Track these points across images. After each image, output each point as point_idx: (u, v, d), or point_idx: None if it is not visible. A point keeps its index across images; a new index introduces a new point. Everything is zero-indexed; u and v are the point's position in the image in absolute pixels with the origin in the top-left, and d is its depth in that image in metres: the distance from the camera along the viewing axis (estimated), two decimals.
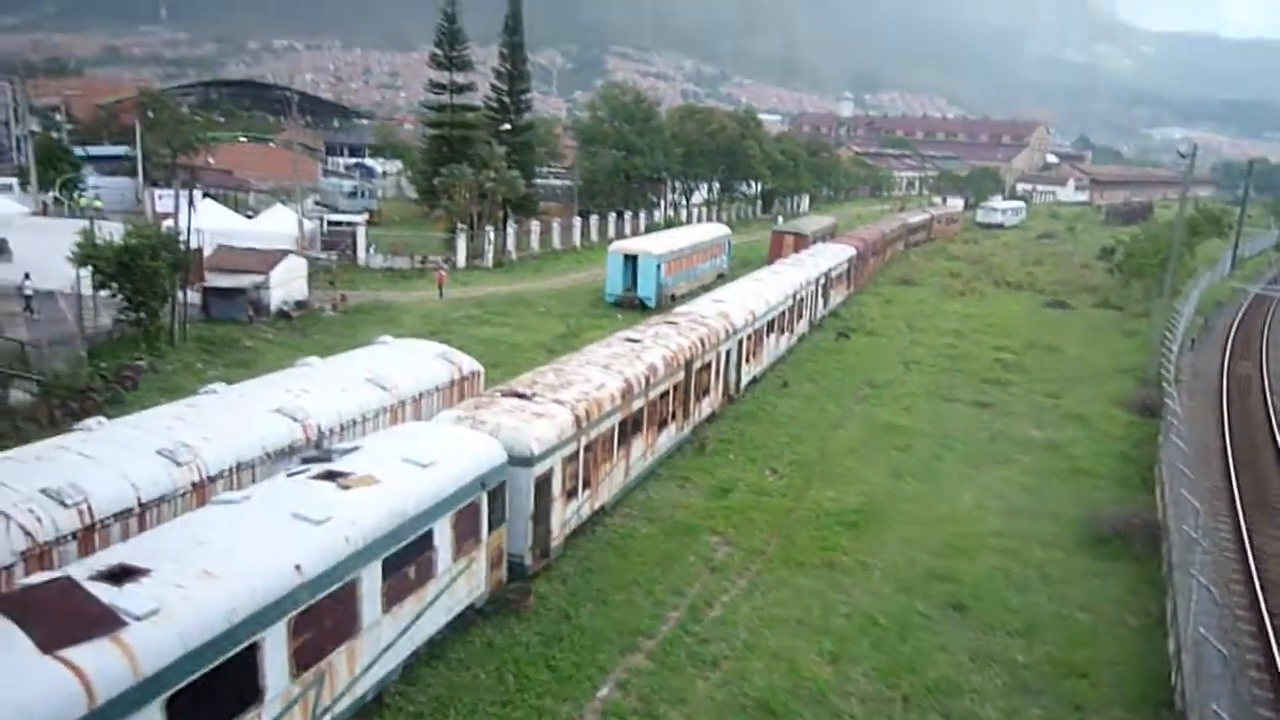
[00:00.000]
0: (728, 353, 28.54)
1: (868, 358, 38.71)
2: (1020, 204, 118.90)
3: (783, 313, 35.33)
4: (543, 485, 16.85)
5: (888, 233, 67.56)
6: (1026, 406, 32.49)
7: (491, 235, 54.75)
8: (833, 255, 47.70)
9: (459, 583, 14.35)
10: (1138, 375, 36.99)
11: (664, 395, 23.11)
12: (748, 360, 30.95)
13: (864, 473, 24.94)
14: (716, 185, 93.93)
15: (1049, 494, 24.13)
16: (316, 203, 65.40)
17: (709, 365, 26.81)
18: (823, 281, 43.36)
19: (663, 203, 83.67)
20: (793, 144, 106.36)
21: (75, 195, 54.32)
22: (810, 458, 25.84)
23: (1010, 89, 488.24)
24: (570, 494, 18.13)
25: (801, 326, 39.48)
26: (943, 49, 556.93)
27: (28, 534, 11.36)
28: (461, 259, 52.77)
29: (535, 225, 60.56)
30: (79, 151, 64.94)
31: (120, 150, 70.20)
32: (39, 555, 11.43)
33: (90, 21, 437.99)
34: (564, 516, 18.01)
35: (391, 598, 12.58)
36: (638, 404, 21.28)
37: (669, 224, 70.87)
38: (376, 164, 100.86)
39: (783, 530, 20.83)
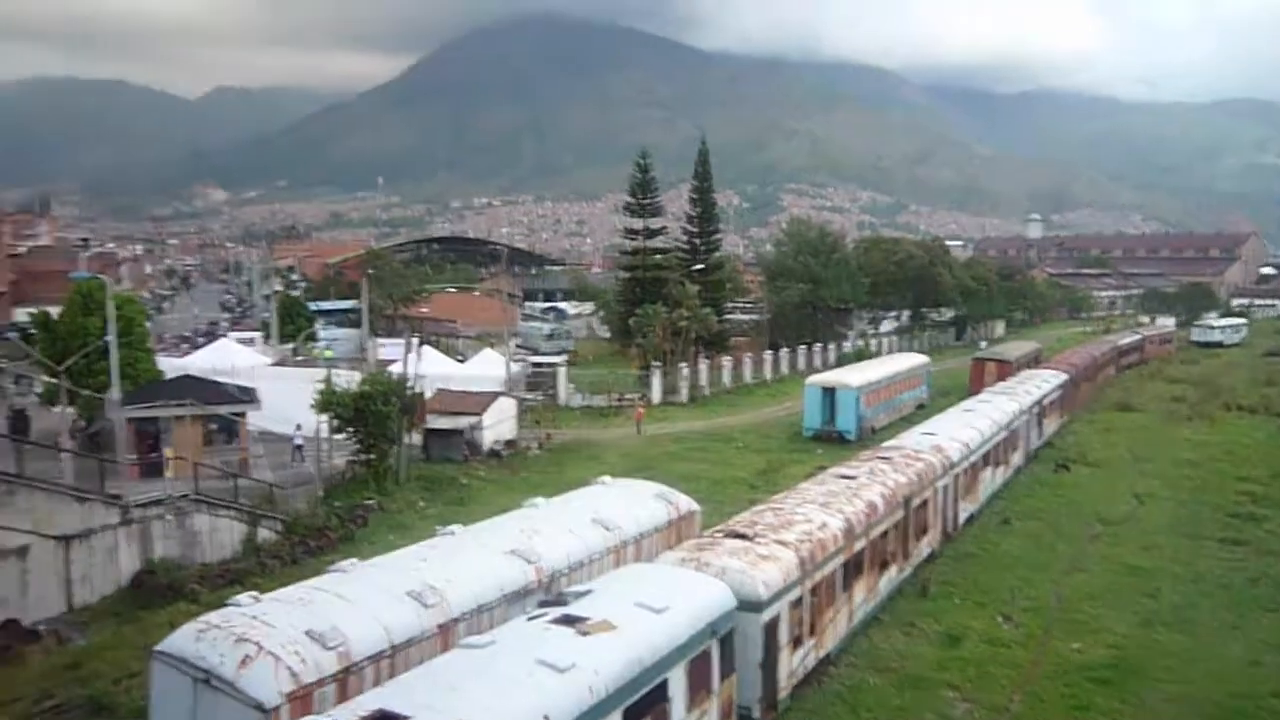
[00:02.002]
0: (944, 488, 27.18)
1: (1093, 491, 35.88)
2: (1241, 320, 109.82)
3: (997, 444, 33.53)
4: (771, 632, 16.23)
5: (1098, 356, 63.75)
6: None
7: (685, 372, 55.61)
8: (1044, 381, 45.26)
9: None
10: None
11: (884, 534, 22.11)
12: (964, 496, 29.35)
13: (1109, 621, 22.66)
14: (906, 314, 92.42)
15: None
16: (518, 346, 68.84)
17: (926, 502, 25.57)
18: (1036, 410, 41.05)
19: (851, 333, 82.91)
20: (983, 268, 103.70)
21: (310, 347, 59.67)
22: (1046, 604, 23.80)
23: (1209, 200, 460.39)
24: (796, 641, 17.36)
25: (1017, 459, 37.28)
26: (1131, 165, 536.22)
27: (294, 676, 11.85)
28: (657, 395, 53.70)
29: (727, 360, 61.13)
30: (312, 306, 71.70)
31: (346, 304, 77.06)
32: (303, 697, 11.87)
33: (317, 191, 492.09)
34: (791, 666, 17.20)
35: None
36: (859, 544, 20.41)
37: (859, 354, 69.86)
38: (568, 306, 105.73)
39: (1026, 686, 19.05)
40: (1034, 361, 59.75)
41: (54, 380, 31.60)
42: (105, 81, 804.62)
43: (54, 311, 39.71)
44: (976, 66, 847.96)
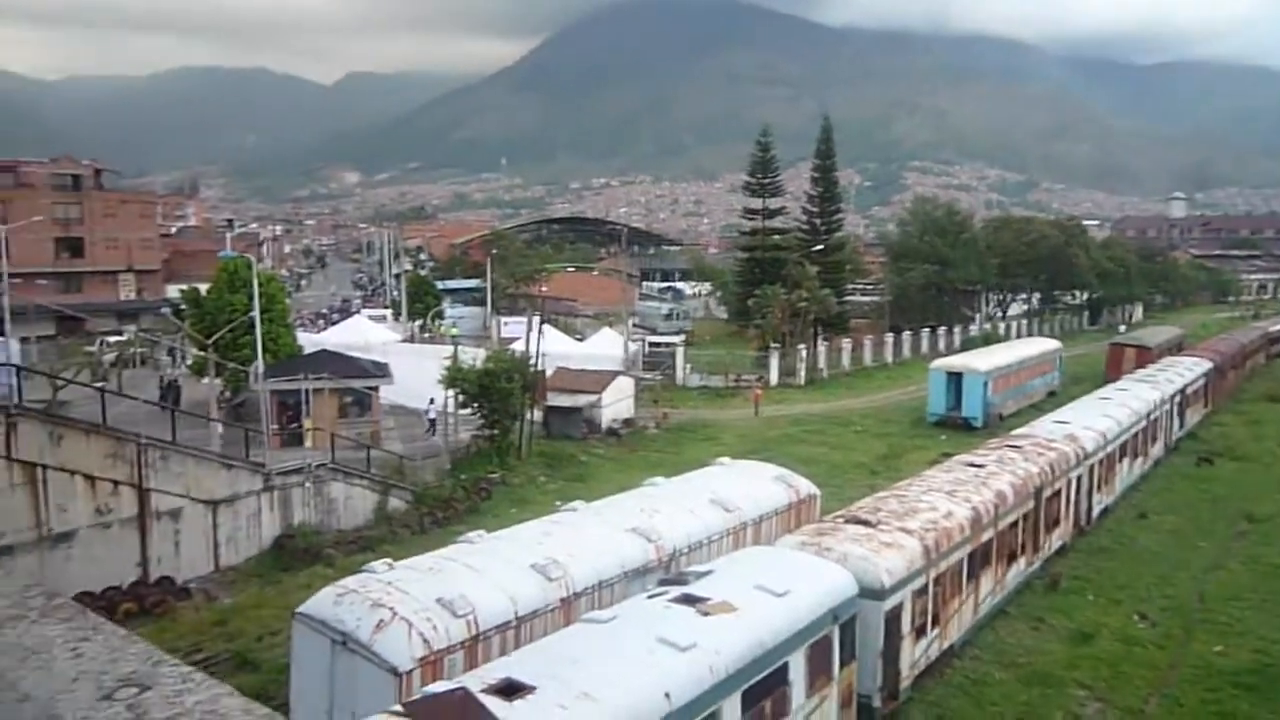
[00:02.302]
0: (1078, 479, 26.06)
1: (1240, 487, 33.77)
2: None
3: (1135, 434, 31.90)
4: (893, 621, 15.95)
5: (1246, 343, 59.76)
6: None
7: (804, 353, 54.92)
8: (1186, 369, 42.77)
9: None
10: None
11: (1013, 525, 21.37)
12: (1099, 488, 28.06)
13: (1256, 624, 21.31)
14: (1036, 296, 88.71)
15: None
16: (636, 325, 69.30)
17: (1058, 493, 24.58)
18: (1177, 399, 38.86)
19: (977, 316, 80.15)
20: (1121, 249, 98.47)
21: (437, 324, 61.61)
22: (1186, 603, 22.59)
23: None
24: (919, 631, 17.01)
25: (1156, 450, 35.40)
26: None
27: (426, 641, 12.31)
28: (774, 377, 53.24)
29: (846, 343, 60.05)
30: (439, 285, 73.94)
31: (471, 283, 79.14)
32: (433, 663, 12.32)
33: (444, 173, 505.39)
34: (913, 656, 16.87)
35: None
36: (987, 535, 19.80)
37: (986, 338, 67.52)
38: (685, 286, 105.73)
39: (1164, 688, 18.15)
40: (1176, 348, 56.52)
41: (203, 354, 33.56)
42: (248, 70, 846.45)
43: (202, 288, 42.11)
44: (1116, 36, 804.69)
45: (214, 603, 22.52)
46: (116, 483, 22.70)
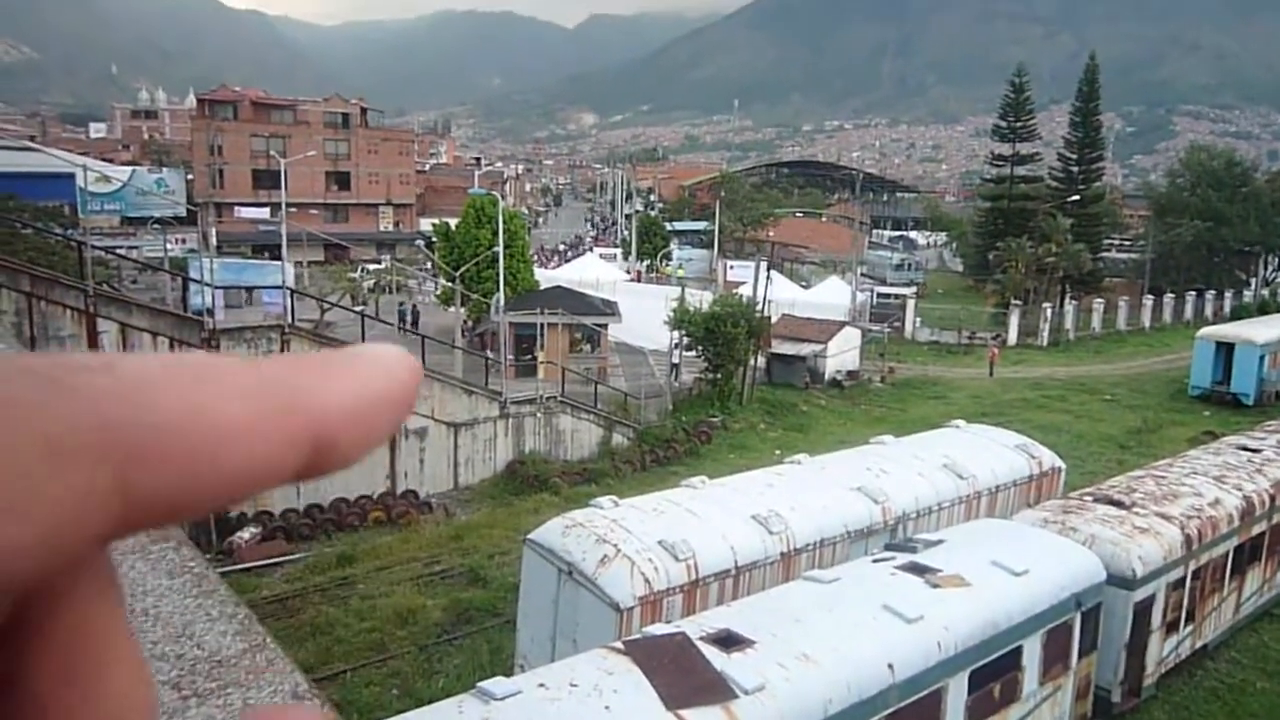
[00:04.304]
0: None
1: None
2: None
3: None
4: (1142, 612, 14.63)
5: None
6: None
7: (1048, 312, 51.15)
8: None
9: (1043, 710, 12.87)
10: None
11: None
12: None
13: None
14: None
15: None
16: (864, 275, 67.13)
17: None
18: None
19: (1253, 281, 71.49)
20: None
21: (665, 265, 62.41)
22: None
23: None
24: (1171, 626, 15.53)
25: None
26: None
27: (647, 581, 12.53)
28: (1013, 336, 50.01)
29: (1098, 303, 55.32)
30: (668, 226, 74.73)
31: (699, 225, 79.41)
32: (653, 603, 12.53)
33: (676, 115, 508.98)
34: (1161, 652, 15.46)
35: (974, 715, 11.61)
36: (1259, 528, 17.71)
37: (1263, 307, 60.14)
38: (918, 236, 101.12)
39: None
40: None
41: (450, 284, 35.66)
42: (497, 14, 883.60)
43: (452, 223, 44.66)
44: None
45: (451, 518, 24.14)
46: None
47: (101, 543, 0.29)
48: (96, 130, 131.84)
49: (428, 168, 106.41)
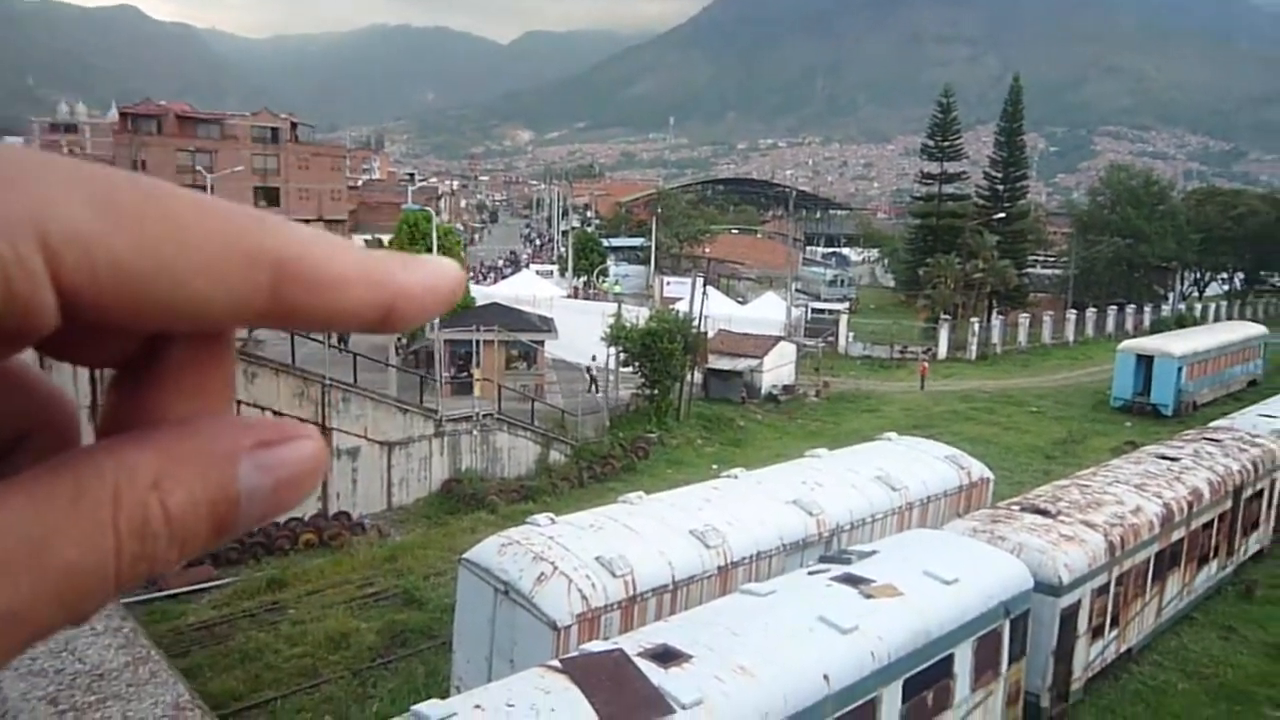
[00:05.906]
0: None
1: None
2: None
3: None
4: (1069, 618, 15.00)
5: None
6: None
7: (976, 327, 52.45)
8: None
9: (975, 716, 13.08)
10: None
11: (1207, 526, 19.70)
12: None
13: None
14: (1240, 277, 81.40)
15: None
16: (798, 290, 68.04)
17: (1260, 494, 22.51)
18: None
19: (1171, 296, 74.29)
20: None
21: (601, 281, 62.42)
22: None
23: None
24: (1096, 632, 15.95)
25: None
26: None
27: (584, 599, 12.44)
28: (943, 350, 51.15)
29: (1024, 317, 56.92)
30: (605, 243, 74.86)
31: (635, 241, 79.68)
32: (591, 620, 12.44)
33: (612, 132, 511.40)
34: (1087, 657, 15.86)
35: None
36: (1177, 534, 18.31)
37: (1180, 320, 62.52)
38: (851, 252, 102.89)
39: None
40: None
41: None
42: (431, 29, 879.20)
43: (385, 239, 44.10)
44: None
45: (385, 539, 23.71)
46: (302, 420, 24.11)
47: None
48: None
49: (360, 184, 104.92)
